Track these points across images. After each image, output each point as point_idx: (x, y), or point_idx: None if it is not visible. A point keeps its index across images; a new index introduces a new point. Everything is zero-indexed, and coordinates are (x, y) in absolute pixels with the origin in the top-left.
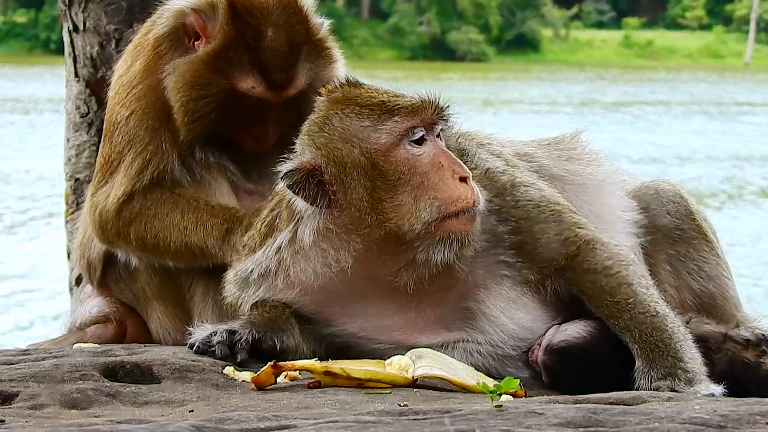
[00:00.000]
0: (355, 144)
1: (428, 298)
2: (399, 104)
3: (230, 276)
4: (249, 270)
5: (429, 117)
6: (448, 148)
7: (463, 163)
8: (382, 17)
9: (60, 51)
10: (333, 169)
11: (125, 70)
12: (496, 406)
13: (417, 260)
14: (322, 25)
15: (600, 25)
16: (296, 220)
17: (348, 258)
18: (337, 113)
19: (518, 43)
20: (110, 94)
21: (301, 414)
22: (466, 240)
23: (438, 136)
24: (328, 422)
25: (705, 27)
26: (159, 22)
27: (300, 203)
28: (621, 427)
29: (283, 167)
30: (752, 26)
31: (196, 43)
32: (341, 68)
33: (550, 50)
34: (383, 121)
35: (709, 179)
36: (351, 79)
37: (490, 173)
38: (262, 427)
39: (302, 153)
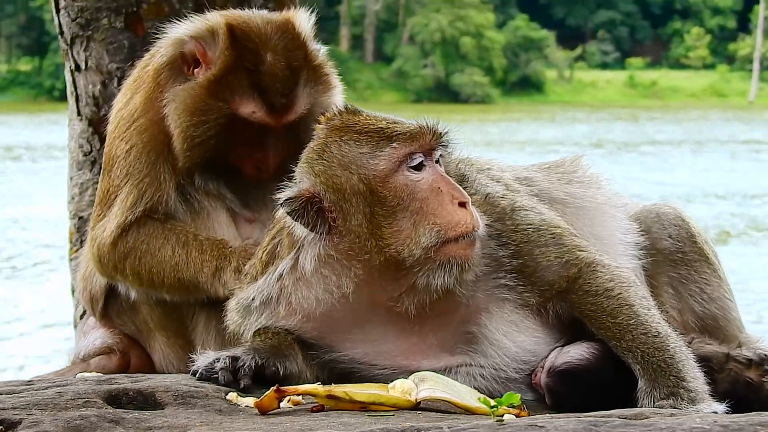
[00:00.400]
0: (353, 171)
1: (430, 322)
2: (397, 131)
3: (232, 304)
4: (251, 298)
5: (427, 143)
6: (447, 173)
7: (463, 188)
8: (387, 60)
9: (64, 98)
10: (332, 196)
11: (124, 104)
12: (497, 421)
13: (417, 285)
14: (321, 51)
15: (604, 66)
16: (297, 247)
17: (349, 284)
18: (336, 140)
19: (522, 85)
20: (109, 128)
21: None
22: (466, 265)
23: (437, 161)
24: None
25: (709, 66)
26: (158, 53)
27: (300, 230)
28: None
29: (283, 194)
30: (756, 65)
31: (195, 70)
32: (339, 95)
33: (554, 91)
34: (381, 147)
35: (721, 217)
36: (350, 106)
37: (490, 198)
38: None
39: (301, 180)
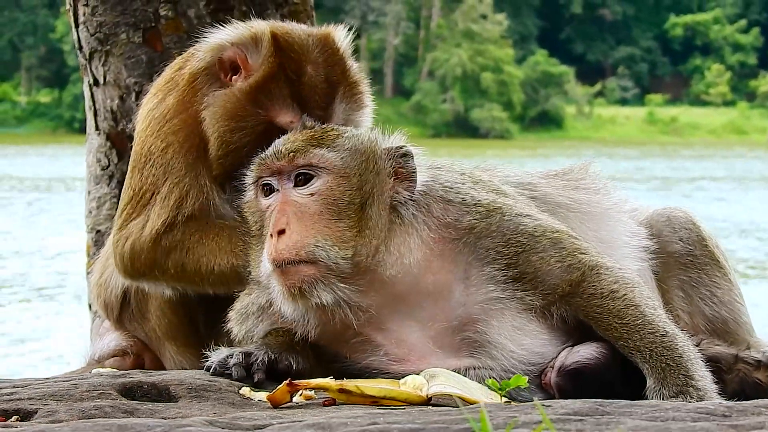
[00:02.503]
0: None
1: (428, 330)
2: (260, 156)
3: (236, 307)
4: (250, 303)
5: (268, 167)
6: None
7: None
8: (405, 95)
9: (84, 130)
10: None
11: (156, 103)
12: (505, 402)
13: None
14: (357, 67)
15: (623, 102)
16: None
17: None
18: None
19: (541, 120)
20: (139, 127)
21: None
22: (295, 292)
23: (304, 181)
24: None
25: (729, 103)
26: (195, 57)
27: None
28: (627, 416)
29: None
30: None
31: (233, 77)
32: (370, 114)
33: (573, 127)
34: (251, 172)
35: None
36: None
37: (466, 222)
38: (274, 423)
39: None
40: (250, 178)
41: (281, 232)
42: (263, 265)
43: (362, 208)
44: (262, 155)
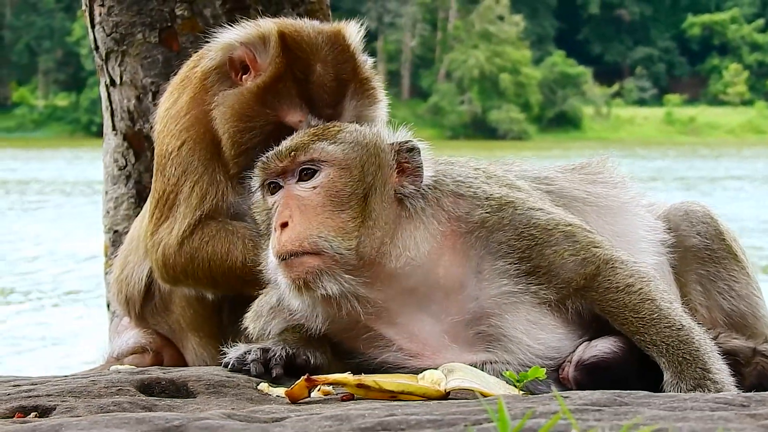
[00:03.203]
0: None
1: (441, 324)
2: (263, 158)
3: (254, 307)
4: (264, 303)
5: (273, 167)
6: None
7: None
8: (423, 97)
9: (101, 134)
10: None
11: (172, 103)
12: (523, 393)
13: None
14: (369, 63)
15: (641, 103)
16: None
17: None
18: None
19: (559, 121)
20: (157, 128)
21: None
22: (300, 284)
23: (308, 176)
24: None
25: (747, 102)
26: (206, 56)
27: None
28: (645, 406)
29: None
30: None
31: (243, 77)
32: (384, 108)
33: (591, 128)
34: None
35: None
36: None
37: (477, 216)
38: (292, 416)
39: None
40: (256, 180)
41: (284, 225)
42: (269, 260)
43: (365, 200)
44: (265, 157)
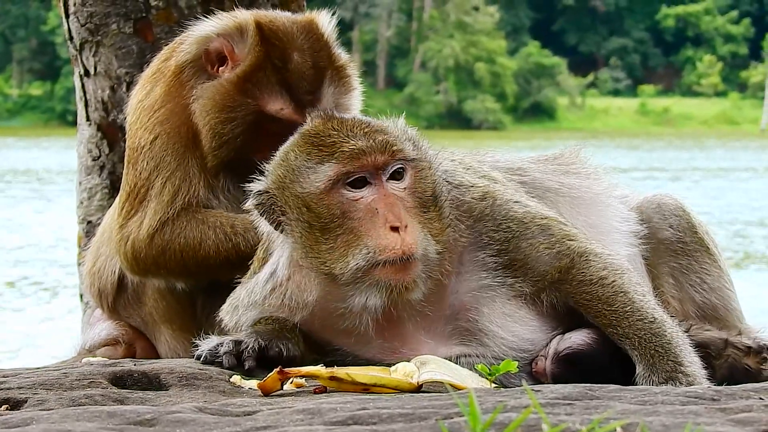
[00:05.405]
0: (297, 183)
1: (419, 321)
2: (342, 148)
3: (229, 301)
4: (241, 296)
5: (370, 162)
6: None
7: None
8: (398, 87)
9: (76, 123)
10: (282, 201)
11: (144, 95)
12: (495, 387)
13: (355, 305)
14: (342, 53)
15: (616, 93)
16: (273, 249)
17: (314, 293)
18: (295, 148)
19: (534, 112)
20: (129, 119)
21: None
22: (400, 288)
23: (396, 177)
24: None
25: (721, 94)
26: (181, 49)
27: (264, 226)
28: (616, 400)
29: (253, 185)
30: None
31: (220, 68)
32: (359, 97)
33: (566, 118)
34: (323, 162)
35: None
36: (329, 112)
37: (467, 203)
38: (264, 409)
39: (268, 177)
40: (330, 169)
41: (396, 228)
42: (356, 258)
43: (437, 201)
44: (349, 147)
